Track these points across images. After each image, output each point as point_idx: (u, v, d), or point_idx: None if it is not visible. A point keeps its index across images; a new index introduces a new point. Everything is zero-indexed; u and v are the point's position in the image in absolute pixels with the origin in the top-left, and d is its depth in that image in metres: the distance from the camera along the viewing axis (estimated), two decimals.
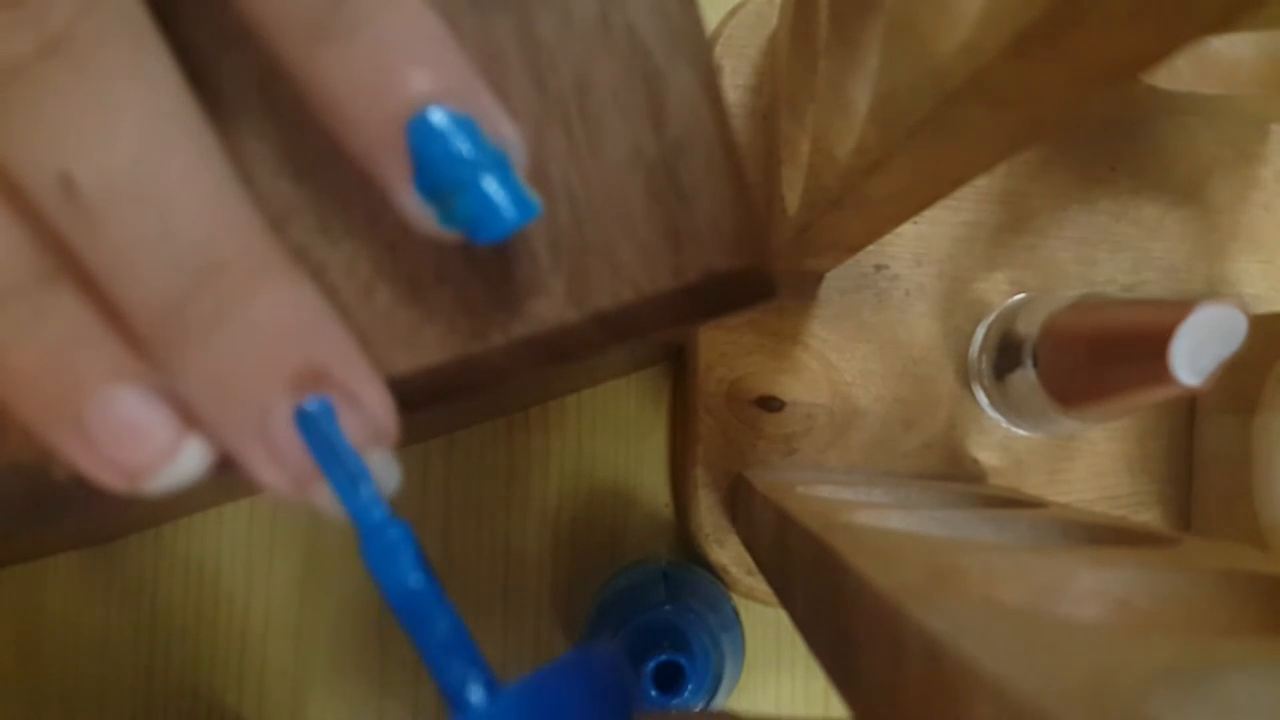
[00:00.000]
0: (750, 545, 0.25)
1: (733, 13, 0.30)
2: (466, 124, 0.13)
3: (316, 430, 0.13)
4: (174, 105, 0.13)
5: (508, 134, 0.13)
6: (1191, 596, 0.14)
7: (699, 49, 0.16)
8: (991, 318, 0.29)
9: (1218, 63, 0.27)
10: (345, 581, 0.32)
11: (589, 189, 0.16)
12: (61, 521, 0.15)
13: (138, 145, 0.12)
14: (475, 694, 0.12)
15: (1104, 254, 0.30)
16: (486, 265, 0.16)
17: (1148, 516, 0.30)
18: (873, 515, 0.18)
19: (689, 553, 0.32)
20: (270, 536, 0.32)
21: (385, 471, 0.14)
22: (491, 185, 0.13)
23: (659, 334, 0.16)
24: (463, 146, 0.13)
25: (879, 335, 0.29)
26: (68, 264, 0.13)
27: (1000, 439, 0.29)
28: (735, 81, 0.29)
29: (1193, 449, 0.30)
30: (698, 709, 0.27)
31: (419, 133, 0.13)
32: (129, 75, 0.12)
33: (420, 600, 0.13)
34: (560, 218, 0.16)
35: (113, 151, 0.12)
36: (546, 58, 0.16)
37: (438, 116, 0.13)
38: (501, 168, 0.13)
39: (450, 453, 0.32)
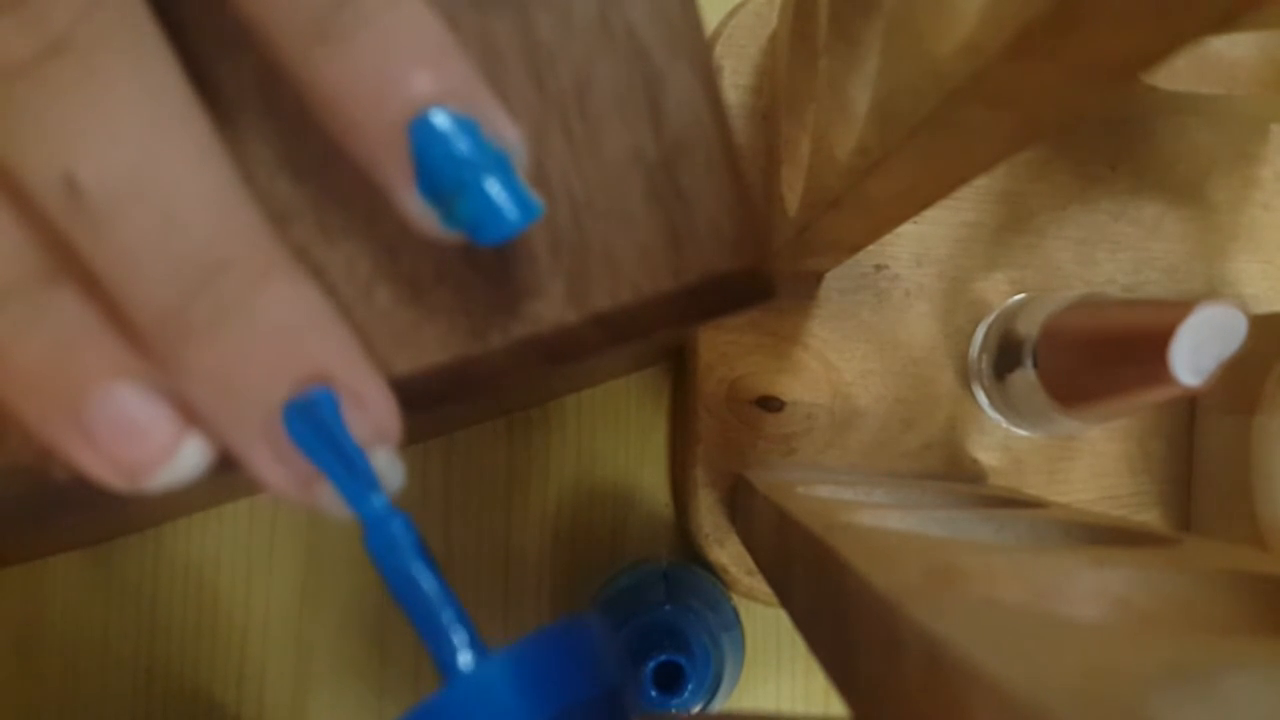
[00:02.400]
0: (750, 545, 0.25)
1: (733, 13, 0.30)
2: (468, 125, 0.13)
3: (317, 423, 0.13)
4: (177, 105, 0.13)
5: (509, 135, 0.13)
6: (1191, 596, 0.14)
7: (698, 49, 0.16)
8: (991, 318, 0.29)
9: (1218, 63, 0.27)
10: (345, 582, 0.32)
11: (588, 190, 0.16)
12: (61, 521, 0.15)
13: (141, 146, 0.12)
14: (464, 659, 0.13)
15: (1104, 254, 0.30)
16: (486, 266, 0.16)
17: (1148, 516, 0.30)
18: (873, 515, 0.18)
19: (689, 553, 0.32)
20: (270, 536, 0.32)
21: (390, 470, 0.14)
22: (494, 187, 0.13)
23: (658, 335, 0.16)
24: (464, 148, 0.13)
25: (879, 335, 0.29)
26: (70, 264, 0.13)
27: (1000, 439, 0.29)
28: (735, 81, 0.29)
29: (1193, 449, 0.30)
30: (697, 709, 0.27)
31: (421, 134, 0.13)
32: (131, 76, 0.12)
33: (421, 585, 0.13)
34: (560, 218, 0.16)
35: (116, 152, 0.12)
36: (546, 58, 0.16)
37: (439, 118, 0.13)
38: (503, 169, 0.13)
39: (450, 453, 0.32)
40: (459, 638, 0.13)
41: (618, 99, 0.16)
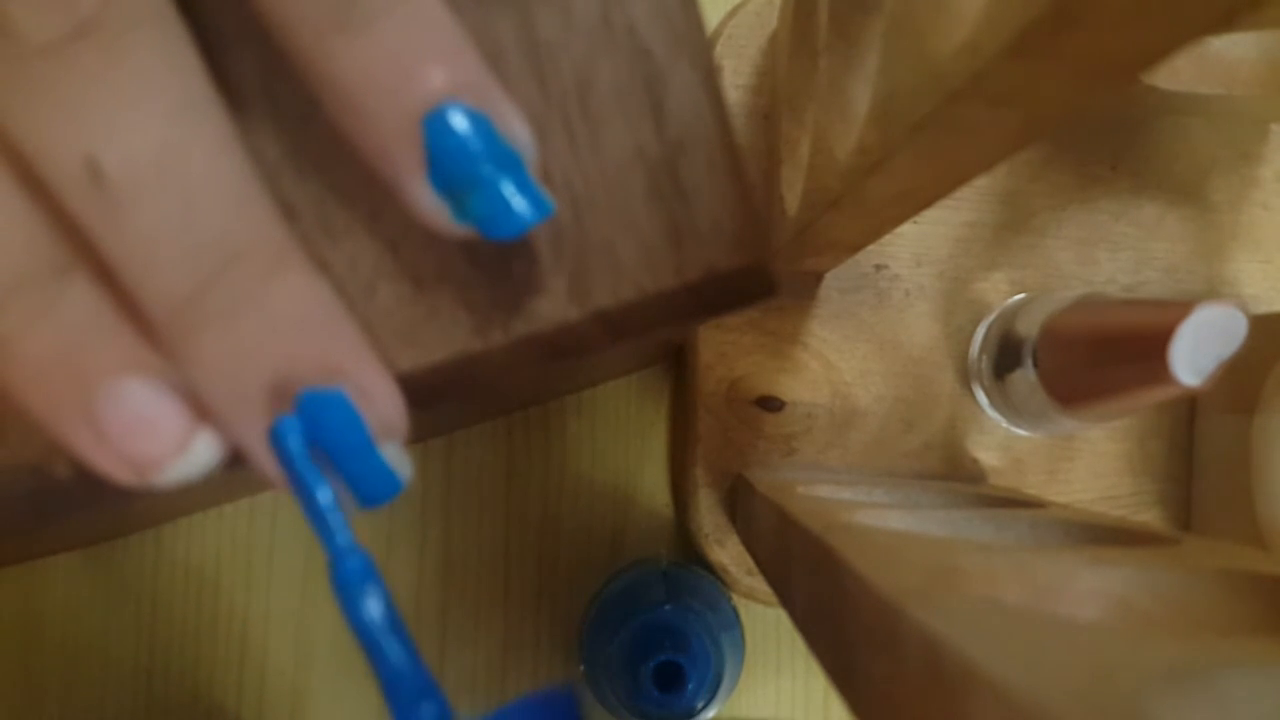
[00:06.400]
0: (750, 545, 0.25)
1: (733, 13, 0.30)
2: (482, 121, 0.13)
3: (286, 453, 0.13)
4: (199, 94, 0.13)
5: (520, 133, 0.13)
6: (1191, 596, 0.14)
7: (700, 48, 0.16)
8: (991, 318, 0.29)
9: (1218, 63, 0.27)
10: None
11: (590, 188, 0.16)
12: (62, 521, 0.15)
13: (164, 132, 0.12)
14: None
15: (1104, 254, 0.30)
16: (488, 263, 0.16)
17: (1148, 516, 0.30)
18: (873, 515, 0.18)
19: (689, 553, 0.32)
20: (270, 536, 0.32)
21: (399, 465, 0.14)
22: (507, 183, 0.13)
23: (660, 332, 0.16)
24: (479, 143, 0.13)
25: (879, 335, 0.29)
26: (83, 254, 0.13)
27: (1000, 439, 0.29)
28: (735, 81, 0.29)
29: (1193, 449, 0.30)
30: (698, 709, 0.27)
31: (435, 128, 0.13)
32: (157, 61, 0.12)
33: (386, 652, 0.13)
34: (562, 216, 0.16)
35: (140, 137, 0.12)
36: (548, 57, 0.16)
37: (455, 112, 0.13)
38: (516, 166, 0.13)
39: (450, 453, 0.32)
40: (419, 698, 0.12)
41: (619, 97, 0.16)
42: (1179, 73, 0.27)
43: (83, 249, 0.13)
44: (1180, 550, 0.15)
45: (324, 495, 0.13)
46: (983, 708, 0.09)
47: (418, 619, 0.32)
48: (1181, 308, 0.21)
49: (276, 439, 0.13)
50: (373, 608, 0.13)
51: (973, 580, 0.14)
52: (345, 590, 0.13)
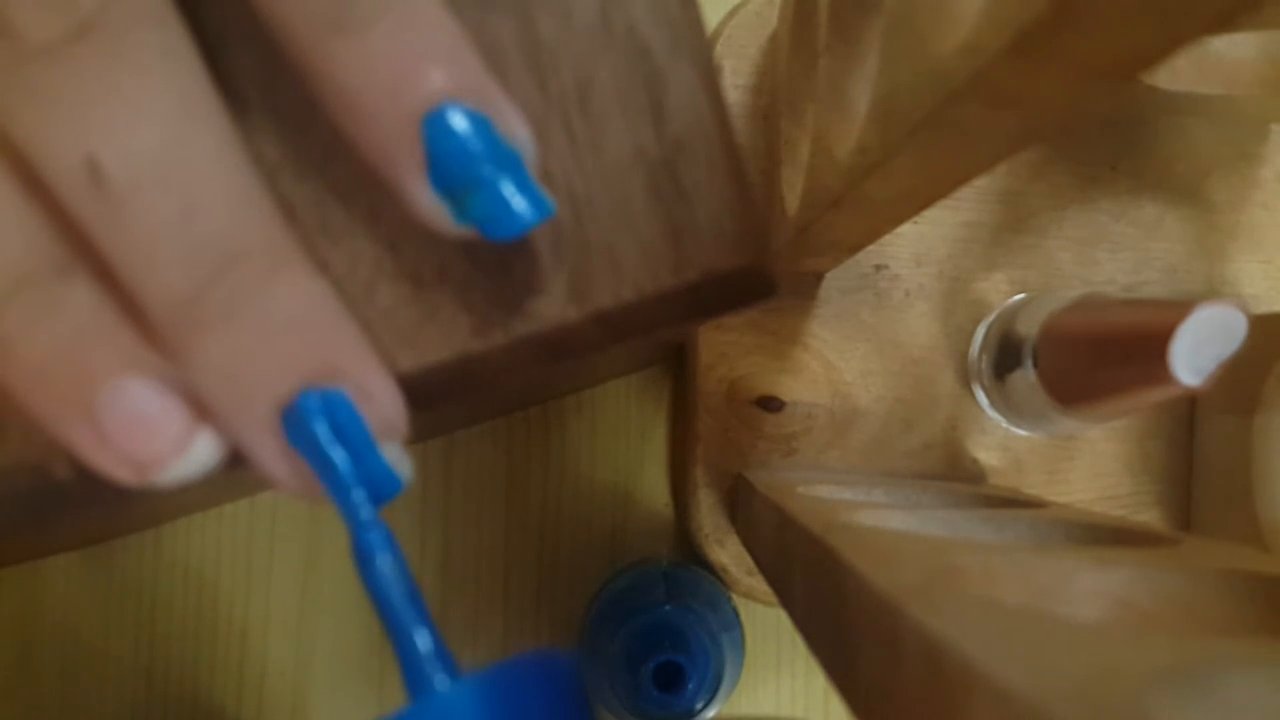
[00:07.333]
0: (750, 545, 0.25)
1: (733, 13, 0.30)
2: (482, 122, 0.13)
3: (303, 428, 0.13)
4: (199, 93, 0.13)
5: (520, 133, 0.13)
6: (1191, 596, 0.14)
7: (700, 48, 0.16)
8: (991, 318, 0.29)
9: (1218, 63, 0.27)
10: (345, 582, 0.32)
11: (590, 188, 0.16)
12: (62, 521, 0.15)
13: (165, 131, 0.12)
14: (439, 680, 0.13)
15: (1104, 254, 0.30)
16: (488, 264, 0.16)
17: (1148, 516, 0.30)
18: (873, 515, 0.18)
19: (689, 553, 0.32)
20: (270, 536, 0.32)
21: (400, 465, 0.14)
22: (507, 184, 0.13)
23: (659, 332, 0.16)
24: (479, 144, 0.13)
25: (879, 335, 0.29)
26: (83, 253, 0.13)
27: (1000, 439, 0.29)
28: (735, 81, 0.29)
29: (1193, 449, 0.30)
30: (698, 709, 0.27)
31: (435, 129, 0.13)
32: (157, 61, 0.12)
33: (395, 603, 0.13)
34: (561, 217, 0.16)
35: (140, 136, 0.12)
36: (547, 57, 0.16)
37: (455, 113, 0.13)
38: (516, 167, 0.13)
39: (450, 453, 0.32)
40: (429, 658, 0.13)
41: (619, 97, 0.16)
42: (1179, 73, 0.27)
43: (83, 249, 0.13)
44: (1180, 550, 0.15)
45: (345, 466, 0.13)
46: (982, 707, 0.09)
47: None
48: (1181, 308, 0.21)
49: (298, 412, 0.13)
50: (391, 577, 0.13)
51: (973, 580, 0.14)
52: (365, 559, 0.13)
